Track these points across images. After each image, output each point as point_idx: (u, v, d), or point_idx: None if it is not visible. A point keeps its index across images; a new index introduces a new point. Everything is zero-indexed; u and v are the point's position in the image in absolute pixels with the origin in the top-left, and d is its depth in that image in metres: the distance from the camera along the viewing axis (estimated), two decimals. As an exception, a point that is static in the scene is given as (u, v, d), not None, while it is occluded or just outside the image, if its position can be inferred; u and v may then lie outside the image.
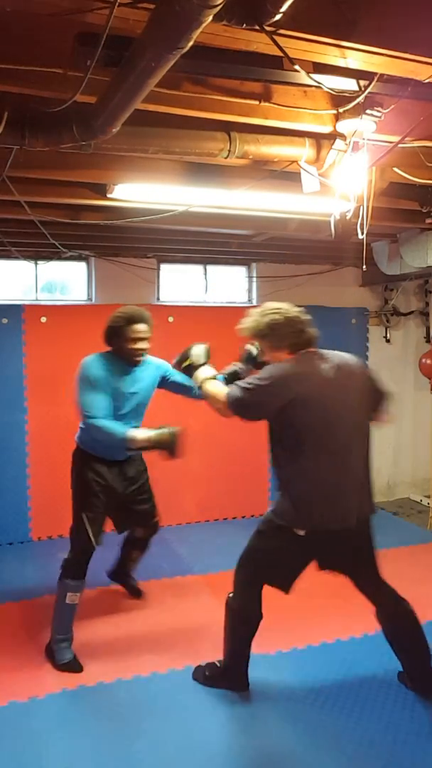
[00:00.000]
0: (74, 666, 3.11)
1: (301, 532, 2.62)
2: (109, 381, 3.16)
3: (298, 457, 2.61)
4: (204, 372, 2.95)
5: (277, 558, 2.76)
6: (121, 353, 3.22)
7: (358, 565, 2.88)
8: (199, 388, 2.92)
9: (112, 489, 3.29)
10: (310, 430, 2.57)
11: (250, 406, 2.63)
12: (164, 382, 3.45)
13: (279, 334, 2.68)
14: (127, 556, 3.81)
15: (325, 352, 2.76)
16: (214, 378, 2.94)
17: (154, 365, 3.41)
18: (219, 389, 2.80)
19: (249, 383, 2.62)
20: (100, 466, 3.28)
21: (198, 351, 3.04)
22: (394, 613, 2.89)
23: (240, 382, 2.68)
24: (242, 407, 2.64)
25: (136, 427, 3.20)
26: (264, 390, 2.57)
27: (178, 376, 3.34)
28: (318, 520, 2.62)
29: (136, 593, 3.88)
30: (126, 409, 3.24)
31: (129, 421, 3.22)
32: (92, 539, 3.18)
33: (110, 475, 3.30)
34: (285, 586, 2.81)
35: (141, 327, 3.19)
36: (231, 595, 2.90)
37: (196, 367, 2.97)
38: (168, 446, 3.00)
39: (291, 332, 2.68)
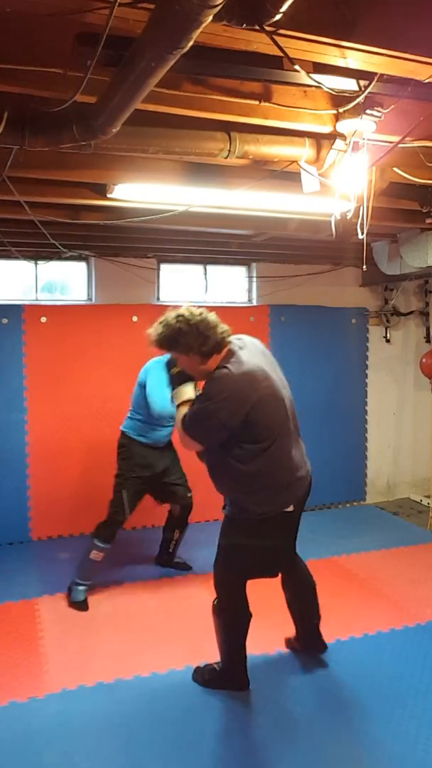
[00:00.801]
0: (82, 606, 3.72)
1: (290, 508, 2.75)
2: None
3: (262, 451, 2.59)
4: (186, 391, 2.78)
5: (266, 548, 2.77)
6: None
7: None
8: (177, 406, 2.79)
9: (153, 469, 3.86)
10: (272, 421, 2.60)
11: (214, 429, 2.52)
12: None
13: (188, 342, 2.57)
14: (170, 536, 4.27)
15: (237, 341, 2.71)
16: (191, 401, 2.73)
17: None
18: (180, 416, 2.69)
19: (202, 409, 2.51)
20: (145, 450, 3.86)
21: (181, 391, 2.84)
22: (301, 582, 3.16)
23: (189, 411, 2.57)
24: (206, 434, 2.56)
25: (169, 434, 3.87)
26: (226, 406, 2.48)
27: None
28: (297, 491, 2.78)
29: (184, 568, 4.32)
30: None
31: (173, 422, 3.52)
32: (126, 511, 3.76)
33: (152, 458, 3.87)
34: (275, 570, 2.94)
35: None
36: (216, 600, 2.86)
37: (180, 381, 2.81)
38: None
39: (207, 336, 2.58)
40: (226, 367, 2.56)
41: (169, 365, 3.05)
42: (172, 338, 2.59)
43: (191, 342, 2.56)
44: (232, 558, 2.80)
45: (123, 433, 3.95)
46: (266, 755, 2.55)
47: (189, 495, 4.10)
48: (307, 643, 3.21)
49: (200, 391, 2.70)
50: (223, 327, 2.66)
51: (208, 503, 4.93)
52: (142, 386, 3.79)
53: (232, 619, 2.86)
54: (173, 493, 4.06)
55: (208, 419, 2.51)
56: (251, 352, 2.68)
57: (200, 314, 2.63)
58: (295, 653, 3.22)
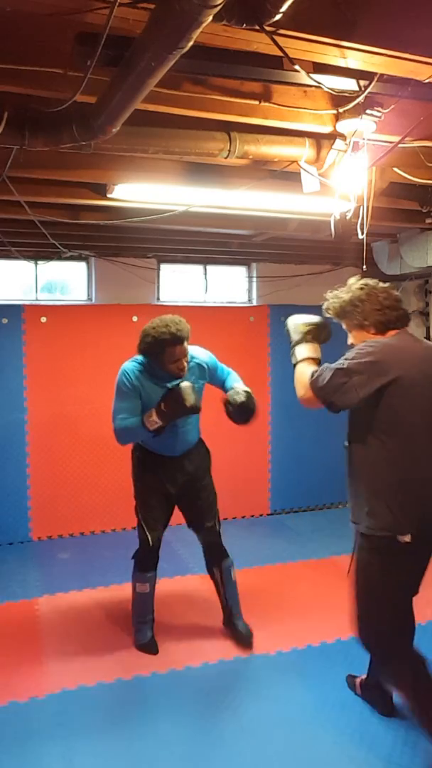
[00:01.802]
0: (150, 647, 3.27)
1: (407, 538, 2.25)
2: (145, 393, 3.02)
3: (390, 447, 2.31)
4: (299, 351, 2.54)
5: (398, 578, 2.34)
6: (162, 368, 3.01)
7: None
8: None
9: (169, 485, 3.24)
10: (408, 414, 2.25)
11: (348, 390, 2.24)
12: (211, 377, 3.28)
13: (363, 311, 2.38)
14: (214, 580, 3.43)
15: (416, 336, 2.50)
16: (314, 360, 2.51)
17: (197, 363, 3.17)
18: (304, 373, 2.42)
19: (343, 363, 2.28)
20: (157, 462, 3.23)
21: (294, 324, 2.64)
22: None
23: (330, 364, 2.33)
24: (336, 392, 2.25)
25: (191, 432, 3.21)
26: (363, 368, 2.23)
27: (218, 374, 3.29)
28: (424, 520, 2.28)
29: (243, 642, 3.30)
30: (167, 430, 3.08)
31: (182, 427, 3.14)
32: (148, 537, 3.23)
33: (167, 471, 3.22)
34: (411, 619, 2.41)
35: (180, 348, 2.95)
36: (381, 672, 2.53)
37: (293, 344, 2.58)
38: (179, 401, 2.87)
39: (375, 309, 2.37)
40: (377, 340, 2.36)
41: (151, 366, 2.96)
42: (350, 305, 2.41)
43: (368, 311, 2.37)
44: (372, 599, 2.40)
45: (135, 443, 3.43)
46: (266, 755, 2.54)
47: (209, 524, 3.31)
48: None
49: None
50: (399, 312, 2.41)
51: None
52: None
53: (410, 677, 2.37)
54: (191, 518, 3.35)
55: (342, 373, 2.25)
56: (420, 345, 2.43)
57: (384, 288, 2.43)
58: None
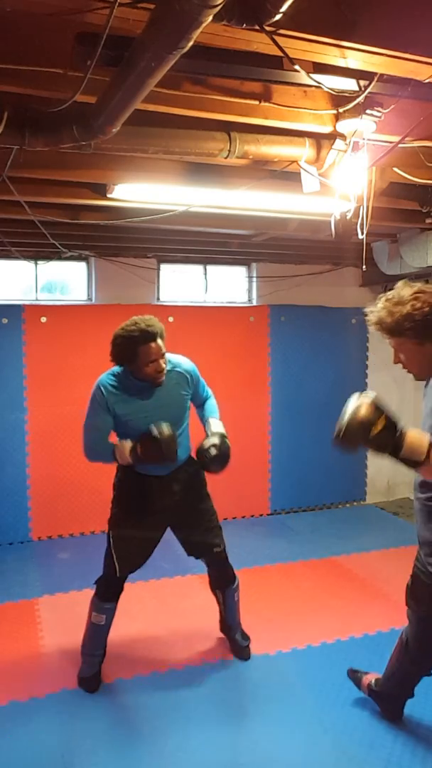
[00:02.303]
0: (91, 683, 2.96)
1: None
2: (121, 406, 2.79)
3: None
4: (416, 437, 2.01)
5: None
6: (138, 375, 2.77)
7: None
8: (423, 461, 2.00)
9: (157, 512, 2.90)
10: None
11: None
12: (193, 391, 3.01)
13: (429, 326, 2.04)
14: (215, 597, 3.26)
15: None
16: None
17: (178, 371, 2.92)
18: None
19: None
20: (142, 484, 2.89)
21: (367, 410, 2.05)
22: None
23: None
24: None
25: (180, 446, 2.84)
26: None
27: (198, 391, 3.04)
28: None
29: (240, 653, 3.21)
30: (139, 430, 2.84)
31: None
32: (115, 564, 2.88)
33: (153, 494, 2.88)
34: None
35: (154, 345, 2.70)
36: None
37: (388, 437, 1.99)
38: (157, 449, 2.67)
39: None
40: None
41: (127, 376, 2.76)
42: (410, 320, 2.04)
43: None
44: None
45: None
46: (266, 755, 2.54)
47: (217, 549, 3.05)
48: None
49: None
50: None
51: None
52: None
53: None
54: (194, 546, 3.07)
55: None
56: None
57: None
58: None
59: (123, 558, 2.89)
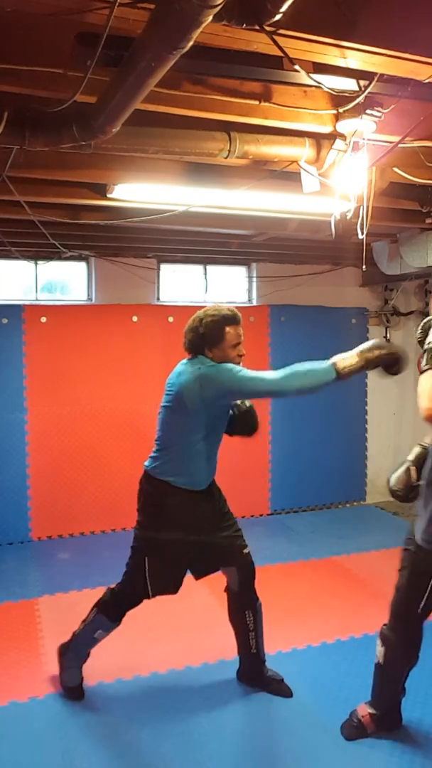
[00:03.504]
0: (77, 693, 2.89)
1: None
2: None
3: None
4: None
5: None
6: (225, 355, 2.61)
7: None
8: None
9: (197, 530, 2.69)
10: None
11: None
12: None
13: None
14: (243, 624, 2.93)
15: None
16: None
17: None
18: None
19: None
20: (188, 502, 2.66)
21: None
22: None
23: None
24: None
25: (215, 467, 2.77)
26: None
27: None
28: None
29: (281, 691, 2.92)
30: (221, 430, 2.73)
31: (213, 462, 2.77)
32: (149, 590, 2.69)
33: (195, 512, 2.68)
34: None
35: (240, 328, 2.66)
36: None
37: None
38: (392, 356, 2.66)
39: None
40: None
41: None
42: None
43: None
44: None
45: (147, 474, 2.72)
46: (266, 755, 2.54)
47: (246, 550, 2.85)
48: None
49: None
50: None
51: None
52: (176, 401, 2.61)
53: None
54: (221, 551, 2.81)
55: None
56: None
57: None
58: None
59: (158, 584, 2.70)
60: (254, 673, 2.97)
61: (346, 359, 2.55)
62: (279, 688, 2.93)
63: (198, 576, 2.83)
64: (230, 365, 2.55)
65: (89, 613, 2.87)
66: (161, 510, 2.67)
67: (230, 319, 2.62)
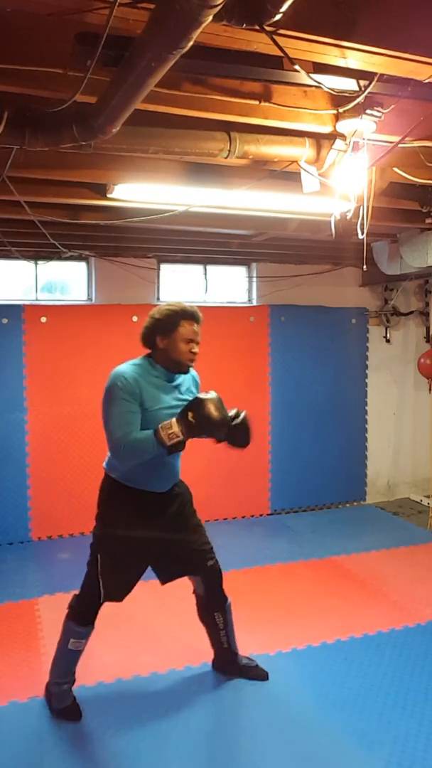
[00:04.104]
0: (73, 713, 2.74)
1: None
2: (147, 396, 2.54)
3: None
4: None
5: None
6: (167, 356, 2.60)
7: None
8: None
9: (152, 531, 2.67)
10: None
11: None
12: None
13: None
14: (213, 625, 2.98)
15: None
16: None
17: (192, 374, 2.82)
18: None
19: None
20: (142, 503, 2.64)
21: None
22: None
23: None
24: None
25: (175, 471, 2.73)
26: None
27: None
28: None
29: (259, 675, 3.02)
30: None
31: (168, 469, 2.70)
32: (101, 590, 2.64)
33: (154, 513, 2.67)
34: None
35: (196, 326, 2.63)
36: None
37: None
38: (207, 411, 2.40)
39: None
40: None
41: (151, 365, 2.57)
42: None
43: None
44: None
45: (105, 472, 2.75)
46: (266, 755, 2.54)
47: (211, 562, 2.86)
48: None
49: None
50: None
51: (208, 503, 4.92)
52: None
53: None
54: (184, 560, 2.83)
55: None
56: None
57: None
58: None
59: (111, 584, 2.66)
60: (228, 663, 3.06)
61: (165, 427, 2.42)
62: (255, 673, 3.03)
63: (163, 581, 2.85)
64: (121, 385, 2.49)
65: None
66: (109, 505, 2.71)
67: (189, 313, 2.61)
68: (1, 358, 4.92)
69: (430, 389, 5.79)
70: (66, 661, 2.77)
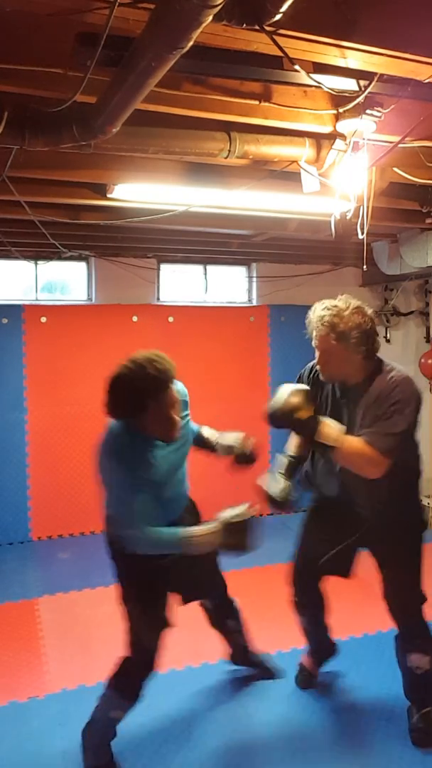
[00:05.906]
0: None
1: None
2: (148, 467, 2.24)
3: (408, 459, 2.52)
4: (331, 426, 2.41)
5: None
6: (152, 428, 2.22)
7: None
8: (332, 448, 2.36)
9: (171, 574, 2.43)
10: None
11: (410, 439, 2.44)
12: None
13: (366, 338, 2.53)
14: (227, 630, 2.96)
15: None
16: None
17: (182, 399, 2.44)
18: (358, 444, 2.35)
19: (400, 421, 2.32)
20: (152, 564, 2.34)
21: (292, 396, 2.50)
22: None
23: (384, 426, 2.31)
24: (400, 447, 2.35)
25: (183, 496, 2.54)
26: (416, 412, 2.39)
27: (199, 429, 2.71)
28: None
29: (273, 673, 3.05)
30: (170, 491, 2.36)
31: (176, 499, 2.46)
32: (149, 637, 2.48)
33: (166, 569, 2.39)
34: None
35: (176, 387, 2.23)
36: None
37: (312, 422, 2.41)
38: (239, 540, 2.26)
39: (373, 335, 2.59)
40: (387, 370, 2.56)
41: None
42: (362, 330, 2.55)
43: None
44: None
45: (117, 547, 2.40)
46: (266, 755, 2.54)
47: (222, 587, 2.85)
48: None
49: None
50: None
51: (208, 503, 4.92)
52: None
53: None
54: (195, 589, 2.68)
55: (403, 429, 2.34)
56: None
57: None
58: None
59: (154, 625, 2.47)
60: (246, 656, 3.05)
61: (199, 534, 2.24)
62: (271, 671, 3.05)
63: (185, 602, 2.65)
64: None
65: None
66: (139, 560, 2.35)
67: (151, 389, 2.14)
68: (1, 358, 4.92)
69: (431, 389, 5.79)
70: (105, 728, 2.49)
